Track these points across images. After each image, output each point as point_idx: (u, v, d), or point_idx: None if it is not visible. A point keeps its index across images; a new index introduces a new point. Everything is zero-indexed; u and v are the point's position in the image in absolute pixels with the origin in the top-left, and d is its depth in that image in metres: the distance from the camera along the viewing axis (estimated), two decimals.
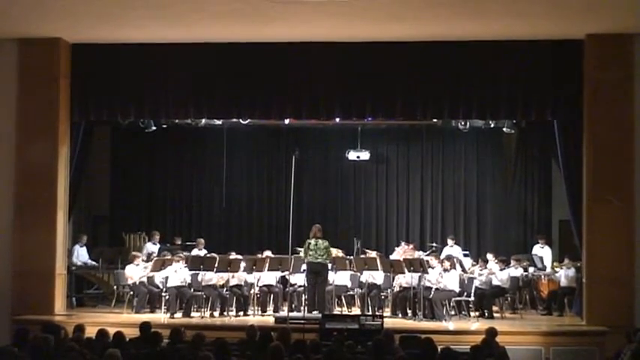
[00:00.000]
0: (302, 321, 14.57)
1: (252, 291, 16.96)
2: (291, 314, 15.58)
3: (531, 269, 18.10)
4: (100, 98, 16.38)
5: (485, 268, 17.06)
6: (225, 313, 16.44)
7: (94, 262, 18.19)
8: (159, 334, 11.10)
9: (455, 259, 17.41)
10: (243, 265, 16.68)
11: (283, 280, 17.30)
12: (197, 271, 16.55)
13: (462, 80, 15.76)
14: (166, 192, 21.55)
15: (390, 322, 15.21)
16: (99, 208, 20.99)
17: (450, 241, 19.19)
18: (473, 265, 17.79)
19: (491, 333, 11.99)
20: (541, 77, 15.58)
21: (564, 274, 17.10)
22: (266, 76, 16.06)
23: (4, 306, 15.40)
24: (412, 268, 16.04)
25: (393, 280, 16.75)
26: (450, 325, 15.57)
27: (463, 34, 15.23)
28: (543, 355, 14.17)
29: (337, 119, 17.79)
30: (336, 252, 17.72)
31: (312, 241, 16.21)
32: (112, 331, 11.29)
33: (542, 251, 18.44)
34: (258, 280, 16.90)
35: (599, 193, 15.11)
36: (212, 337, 10.91)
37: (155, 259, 17.17)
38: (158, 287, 16.72)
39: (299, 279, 16.78)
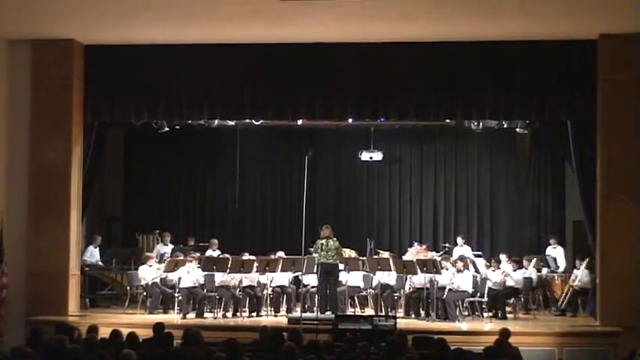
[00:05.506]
0: (315, 322, 14.59)
1: (265, 292, 16.97)
2: (304, 315, 15.64)
3: (545, 270, 18.09)
4: (113, 99, 16.43)
5: (499, 268, 17.02)
6: (238, 314, 16.47)
7: (103, 262, 18.23)
8: (171, 334, 11.12)
9: (468, 260, 17.39)
10: (256, 265, 16.69)
11: (296, 281, 17.31)
12: (211, 272, 16.56)
13: (475, 81, 15.75)
14: (179, 193, 21.59)
15: (403, 322, 15.19)
16: (112, 208, 21.03)
17: (460, 241, 19.13)
18: (487, 267, 17.73)
19: (505, 334, 11.99)
20: (555, 78, 15.54)
21: (579, 274, 17.04)
22: (279, 77, 16.08)
23: (18, 306, 15.44)
24: (425, 269, 16.05)
25: (405, 281, 16.73)
26: (463, 325, 15.57)
27: (476, 35, 15.21)
28: (557, 355, 14.16)
29: (350, 120, 17.80)
30: (349, 252, 17.73)
31: (323, 242, 16.22)
32: (125, 331, 11.30)
33: (555, 252, 18.39)
34: (271, 280, 16.93)
35: (612, 193, 15.06)
36: (224, 338, 10.93)
37: (168, 259, 17.21)
38: (171, 288, 16.73)
39: (312, 279, 16.77)
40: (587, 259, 16.62)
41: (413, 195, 21.28)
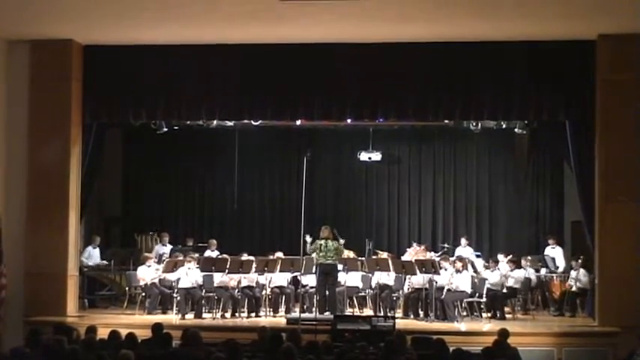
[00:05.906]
0: (314, 322, 14.57)
1: (263, 292, 16.97)
2: (302, 315, 15.61)
3: (543, 270, 18.08)
4: (112, 99, 16.42)
5: (497, 269, 17.02)
6: (237, 315, 16.46)
7: (104, 262, 18.22)
8: (170, 335, 11.11)
9: (466, 260, 17.39)
10: (254, 266, 16.67)
11: (295, 281, 17.29)
12: (209, 273, 16.55)
13: (474, 81, 15.75)
14: (178, 193, 21.58)
15: (402, 323, 15.17)
16: (111, 209, 21.00)
17: (463, 242, 19.16)
18: (486, 268, 17.72)
19: (504, 334, 11.98)
20: (553, 78, 15.54)
21: (576, 275, 17.04)
22: (278, 77, 16.06)
23: (17, 307, 15.41)
24: (424, 269, 16.04)
25: (404, 281, 16.71)
26: (462, 326, 15.57)
27: (475, 35, 15.20)
28: (555, 355, 14.16)
29: (349, 120, 17.78)
30: (347, 253, 17.72)
31: (322, 242, 16.21)
32: (124, 332, 11.30)
33: (554, 252, 18.39)
34: (270, 281, 16.92)
35: (611, 193, 15.06)
36: (223, 338, 10.92)
37: (167, 260, 17.20)
38: (170, 288, 16.71)
39: (311, 280, 16.76)
40: (581, 258, 16.64)
41: (412, 195, 21.27)
